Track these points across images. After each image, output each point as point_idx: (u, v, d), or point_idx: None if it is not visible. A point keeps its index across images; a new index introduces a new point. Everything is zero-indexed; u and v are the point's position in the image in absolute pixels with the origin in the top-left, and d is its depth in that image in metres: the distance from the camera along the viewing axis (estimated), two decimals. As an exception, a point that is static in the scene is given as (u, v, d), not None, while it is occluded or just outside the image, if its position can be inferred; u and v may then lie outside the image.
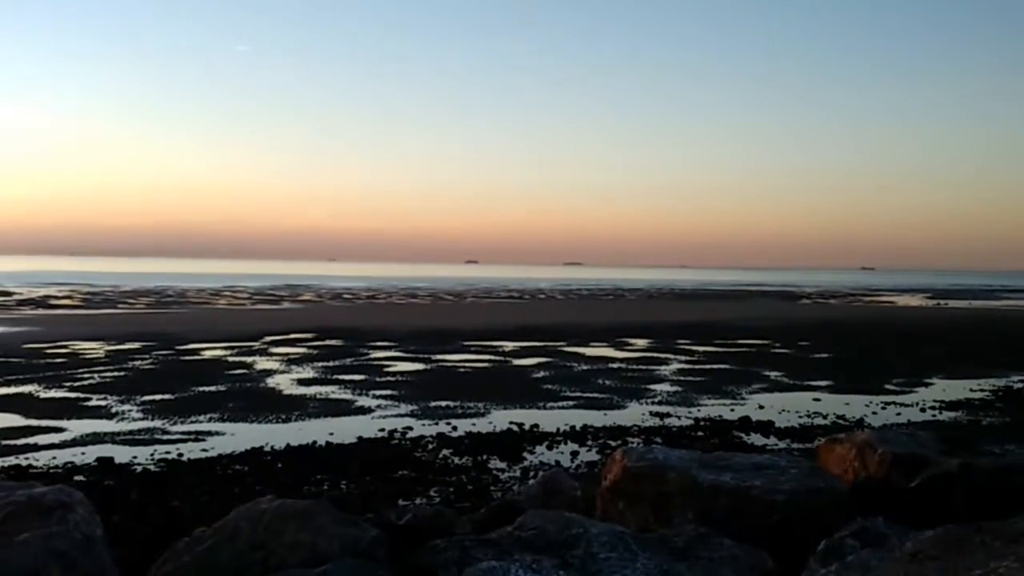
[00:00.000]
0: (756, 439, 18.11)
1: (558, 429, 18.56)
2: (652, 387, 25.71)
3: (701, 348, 37.66)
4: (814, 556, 5.13)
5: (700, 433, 18.53)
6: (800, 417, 20.73)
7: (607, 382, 26.60)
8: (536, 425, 19.01)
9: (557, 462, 15.57)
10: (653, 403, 22.85)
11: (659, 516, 6.32)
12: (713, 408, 22.14)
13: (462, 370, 29.07)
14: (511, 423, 19.32)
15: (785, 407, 22.20)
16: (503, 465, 15.32)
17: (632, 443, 17.04)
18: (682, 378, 27.83)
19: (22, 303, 65.83)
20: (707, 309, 72.71)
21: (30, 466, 14.89)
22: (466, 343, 38.08)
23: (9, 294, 77.95)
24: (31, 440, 17.14)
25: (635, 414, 21.09)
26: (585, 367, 30.37)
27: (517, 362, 31.65)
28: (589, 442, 17.41)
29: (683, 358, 33.81)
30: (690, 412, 21.47)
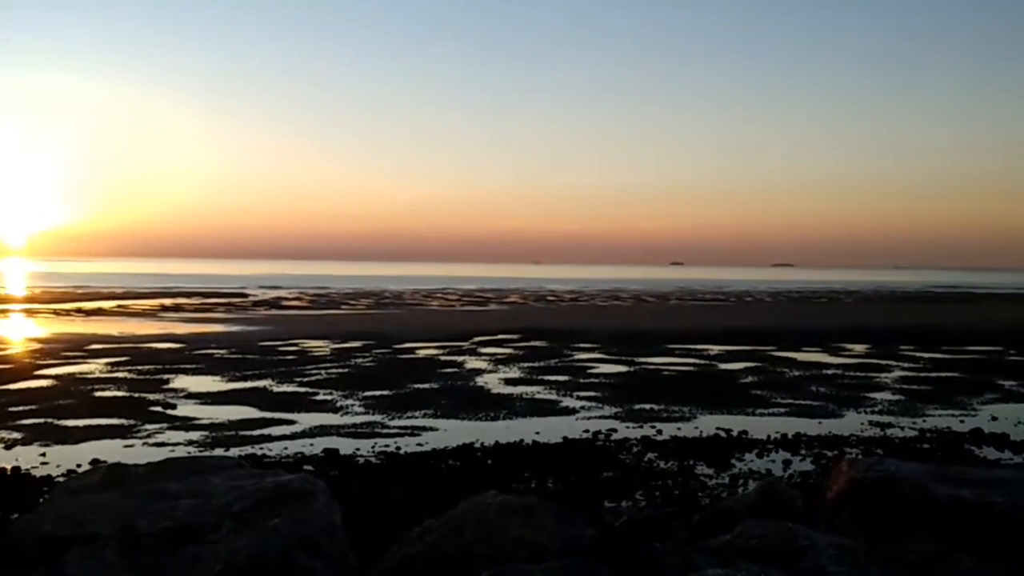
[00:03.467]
0: (989, 452, 16.72)
1: (768, 436, 17.93)
2: (871, 395, 24.29)
3: (926, 354, 35.17)
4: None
5: (926, 445, 17.32)
6: (1043, 432, 18.90)
7: (821, 389, 25.41)
8: (745, 431, 18.47)
9: (768, 470, 15.05)
10: (873, 412, 21.60)
11: (890, 530, 5.95)
12: (940, 419, 20.63)
13: (666, 373, 28.72)
14: (718, 428, 18.87)
15: (1022, 419, 20.34)
16: (710, 471, 14.99)
17: (850, 454, 16.18)
18: (905, 386, 26.11)
19: (257, 304, 71.56)
20: (931, 312, 67.81)
21: (264, 455, 16.13)
22: (670, 346, 37.59)
23: (245, 296, 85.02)
24: (265, 431, 18.57)
25: (853, 423, 20.02)
26: (797, 373, 29.16)
27: (724, 366, 30.88)
28: (802, 451, 16.70)
29: (906, 365, 31.72)
30: (914, 423, 20.11)
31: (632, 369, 29.74)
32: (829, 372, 29.40)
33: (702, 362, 32.10)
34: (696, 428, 19.07)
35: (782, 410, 21.68)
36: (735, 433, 18.34)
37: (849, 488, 6.31)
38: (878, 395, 24.32)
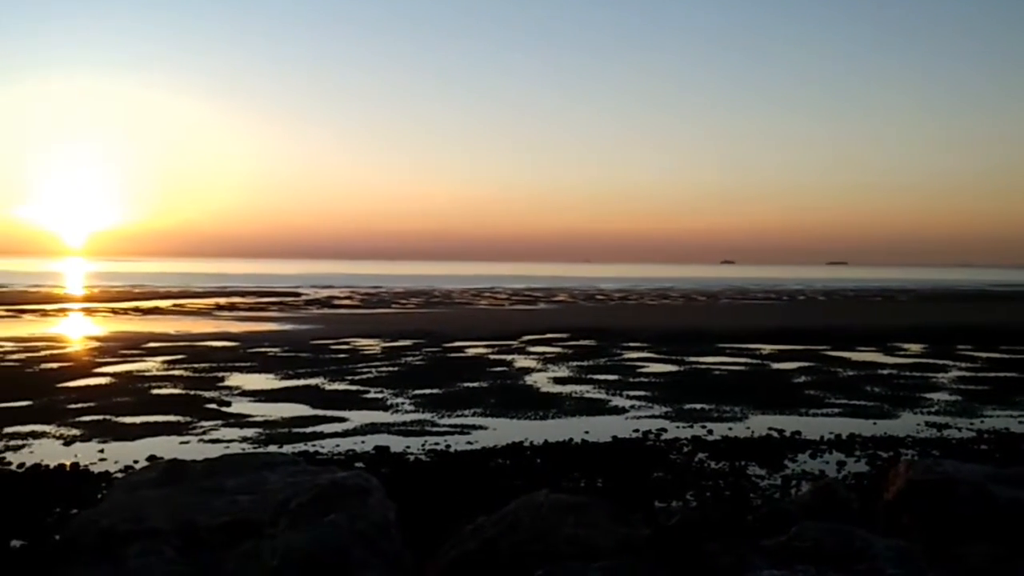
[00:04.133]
0: (1053, 456, 16.25)
1: (822, 437, 17.66)
2: (928, 395, 23.80)
3: (984, 354, 34.34)
4: None
5: (984, 447, 16.91)
6: (1109, 434, 18.33)
7: (876, 389, 24.96)
8: (798, 432, 18.22)
9: (821, 471, 14.82)
10: (929, 413, 21.16)
11: (949, 533, 5.83)
12: (998, 420, 20.14)
13: (717, 372, 28.45)
14: (770, 429, 18.65)
15: (1088, 422, 19.79)
16: (762, 472, 14.81)
17: (905, 455, 15.86)
18: (962, 386, 25.53)
19: (309, 303, 72.47)
20: (991, 312, 66.17)
21: (316, 452, 16.32)
22: (721, 345, 37.23)
23: (298, 295, 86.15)
24: (317, 428, 18.81)
25: (908, 424, 19.63)
26: (851, 372, 28.68)
27: (776, 366, 30.50)
28: (857, 452, 16.41)
29: (963, 365, 31.01)
30: (972, 424, 19.66)
31: (682, 368, 29.51)
32: (884, 372, 28.86)
33: (754, 362, 31.73)
34: (748, 428, 18.86)
35: (836, 410, 21.34)
36: (787, 433, 18.11)
37: (907, 490, 6.20)
38: (935, 395, 23.83)
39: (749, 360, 32.16)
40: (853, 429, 18.62)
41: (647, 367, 29.74)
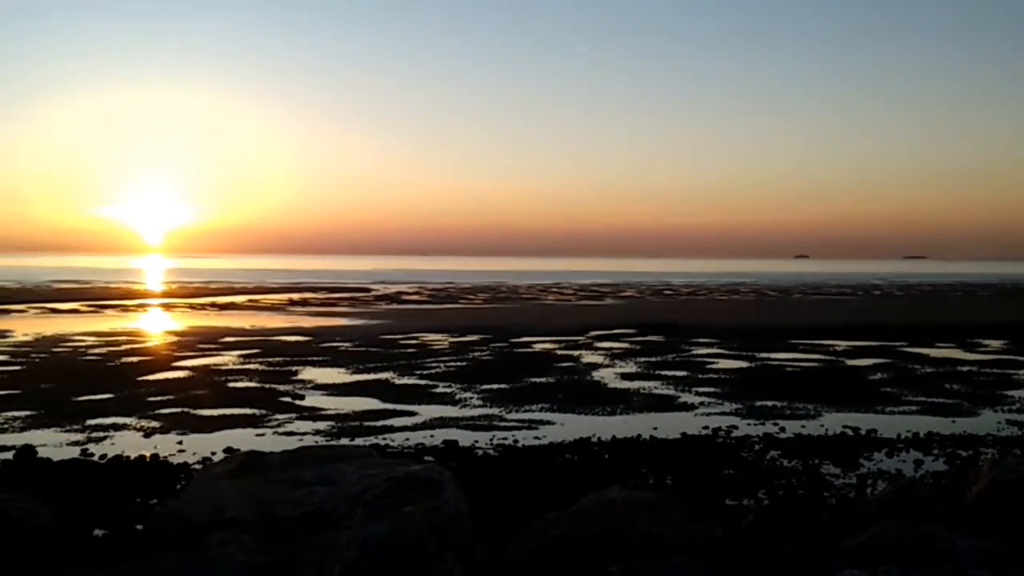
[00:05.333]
0: None
1: (898, 435, 17.23)
2: (1009, 393, 23.02)
3: (1072, 351, 33.06)
4: None
5: (1072, 448, 16.29)
6: None
7: (955, 386, 24.24)
8: (873, 430, 17.80)
9: (898, 470, 14.47)
10: (1011, 411, 20.47)
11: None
12: (1089, 420, 19.37)
13: (789, 369, 27.96)
14: (844, 427, 18.26)
15: None
16: (836, 470, 14.51)
17: (986, 454, 15.38)
18: (1048, 385, 24.62)
19: (378, 299, 73.42)
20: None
21: (387, 446, 16.54)
22: (793, 341, 36.57)
23: (367, 291, 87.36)
24: (387, 422, 19.06)
25: (989, 422, 19.03)
26: (929, 369, 27.91)
27: (850, 362, 29.84)
28: (935, 451, 15.97)
29: (1049, 362, 29.89)
30: (1059, 423, 18.95)
31: (753, 365, 29.08)
32: (963, 369, 28.01)
33: (827, 358, 31.11)
34: (821, 426, 18.50)
35: (913, 408, 20.80)
36: (863, 431, 17.71)
37: (990, 489, 6.03)
38: (1016, 393, 23.04)
39: (822, 356, 31.53)
40: (931, 427, 18.13)
41: (717, 363, 29.39)
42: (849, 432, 17.71)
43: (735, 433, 17.73)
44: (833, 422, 18.91)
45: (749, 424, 18.76)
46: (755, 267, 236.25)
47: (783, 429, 18.12)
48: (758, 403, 21.30)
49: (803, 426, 18.50)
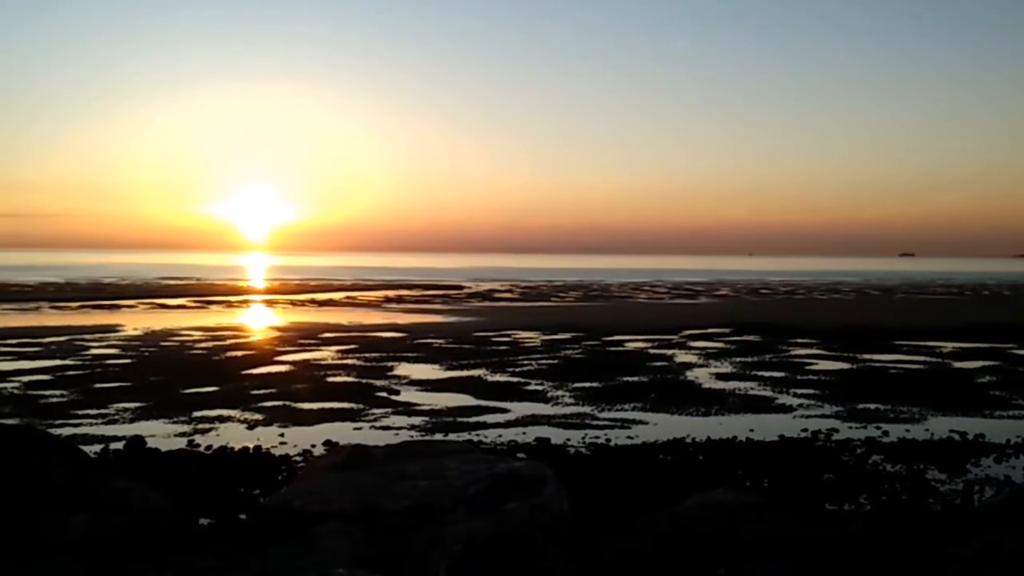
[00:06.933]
0: None
1: (1008, 441, 16.53)
2: None
3: None
4: None
5: None
6: None
7: (1072, 392, 23.06)
8: (981, 435, 17.11)
9: (1007, 477, 13.89)
10: None
11: None
12: None
13: (892, 371, 27.08)
14: (951, 431, 17.61)
15: None
16: (942, 476, 14.02)
17: (1108, 464, 14.60)
18: None
19: (471, 296, 74.12)
20: None
21: (480, 442, 16.71)
22: (897, 342, 35.39)
23: (460, 288, 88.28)
24: (480, 419, 19.26)
25: (1111, 431, 18.04)
26: (1043, 373, 26.63)
27: (957, 364, 28.72)
28: (1050, 458, 15.26)
29: None
30: None
31: (854, 366, 28.28)
32: (1082, 373, 26.62)
33: (933, 359, 30.01)
34: (926, 430, 17.89)
35: (1025, 414, 19.91)
36: (970, 436, 17.05)
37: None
38: None
39: (928, 358, 30.44)
40: (1046, 434, 17.32)
41: (816, 364, 28.68)
42: (955, 437, 17.08)
43: (835, 436, 17.29)
44: (939, 426, 18.27)
45: (850, 427, 18.27)
46: (857, 265, 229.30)
47: (886, 433, 17.58)
48: (860, 406, 20.72)
49: (907, 430, 17.92)
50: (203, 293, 73.48)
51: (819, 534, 5.31)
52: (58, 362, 27.98)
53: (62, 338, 35.38)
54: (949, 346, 34.09)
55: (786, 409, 20.58)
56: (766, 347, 33.68)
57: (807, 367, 27.97)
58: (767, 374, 26.30)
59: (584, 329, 40.59)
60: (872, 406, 20.67)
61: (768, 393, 22.90)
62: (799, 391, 23.09)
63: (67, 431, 17.36)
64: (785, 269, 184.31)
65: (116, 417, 19.14)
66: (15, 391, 22.33)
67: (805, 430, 17.90)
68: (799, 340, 36.11)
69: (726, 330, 40.75)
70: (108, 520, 6.53)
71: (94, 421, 18.68)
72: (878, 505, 12.19)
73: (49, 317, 47.29)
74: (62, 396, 21.66)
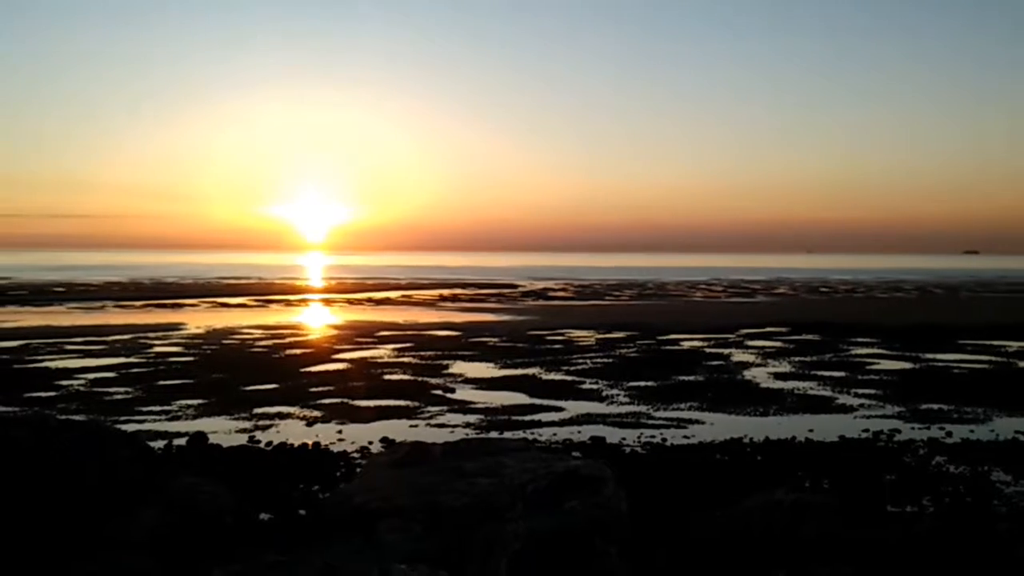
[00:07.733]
0: None
1: (1080, 444, 16.04)
2: None
3: None
4: None
5: None
6: None
7: None
8: (1051, 437, 16.64)
9: (1080, 481, 13.49)
10: None
11: None
12: None
13: (956, 371, 26.45)
14: (1017, 432, 17.17)
15: None
16: (1007, 478, 13.69)
17: None
18: None
19: (525, 295, 74.23)
20: None
21: (535, 440, 16.75)
22: (961, 341, 34.55)
23: (514, 287, 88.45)
24: (535, 417, 19.31)
25: None
26: (1116, 374, 25.77)
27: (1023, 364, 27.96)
28: (1123, 462, 14.77)
29: None
30: None
31: (917, 366, 27.69)
32: None
33: (999, 359, 29.25)
34: (991, 431, 17.47)
35: (1098, 416, 19.29)
36: (1039, 439, 16.59)
37: None
38: None
39: (993, 358, 29.67)
40: (1119, 437, 16.78)
41: (877, 364, 28.15)
42: (1021, 438, 16.64)
43: (897, 437, 16.98)
44: (1004, 427, 17.82)
45: (912, 428, 17.92)
46: (920, 263, 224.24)
47: (949, 434, 17.21)
48: (922, 406, 20.30)
49: (971, 431, 17.52)
50: (263, 292, 74.80)
51: (882, 535, 5.24)
52: (122, 360, 28.75)
53: (126, 336, 36.34)
54: (1015, 345, 33.20)
55: (846, 409, 20.26)
56: (825, 346, 33.15)
57: (868, 367, 27.47)
58: (826, 374, 25.90)
59: (639, 328, 40.38)
60: (935, 406, 20.24)
61: (828, 393, 22.55)
62: (859, 391, 22.70)
63: (131, 427, 17.83)
64: (845, 267, 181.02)
65: (179, 414, 19.61)
66: (81, 388, 23.00)
67: (866, 430, 17.60)
68: (859, 339, 35.47)
69: (784, 329, 40.21)
70: (176, 516, 6.72)
71: (157, 417, 19.17)
72: (941, 507, 11.95)
73: (114, 316, 48.59)
74: (126, 393, 22.26)
